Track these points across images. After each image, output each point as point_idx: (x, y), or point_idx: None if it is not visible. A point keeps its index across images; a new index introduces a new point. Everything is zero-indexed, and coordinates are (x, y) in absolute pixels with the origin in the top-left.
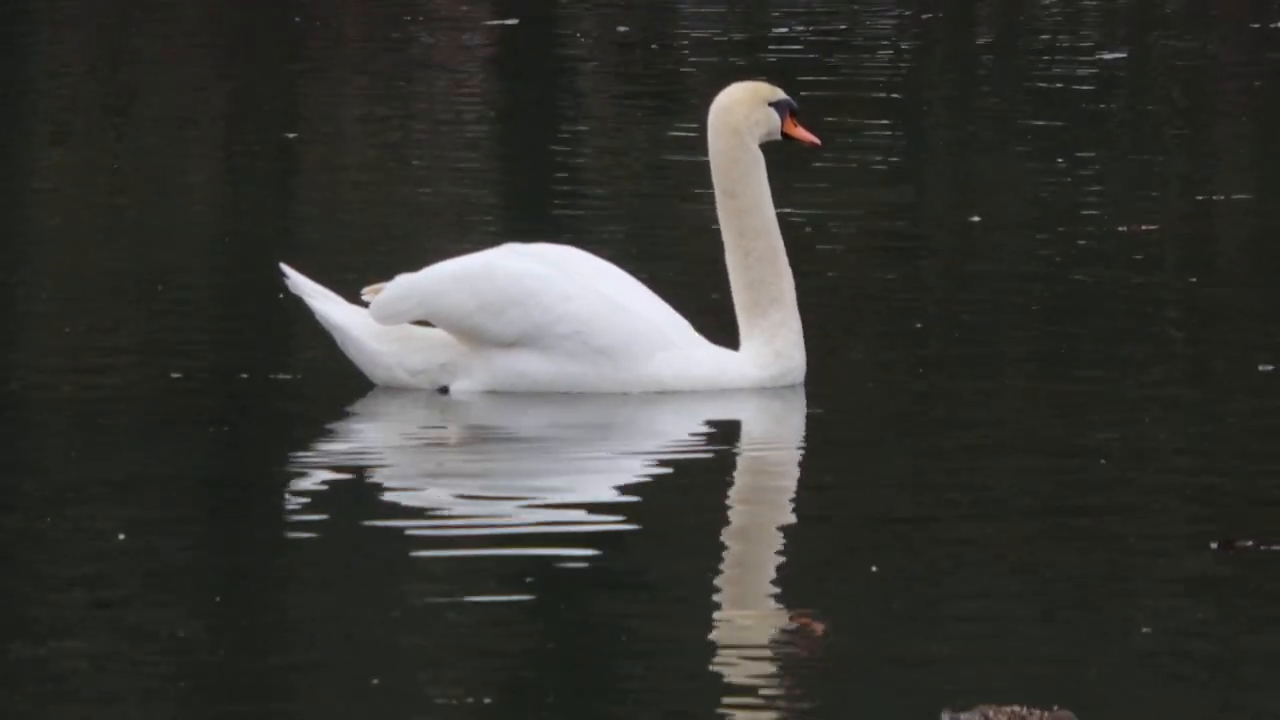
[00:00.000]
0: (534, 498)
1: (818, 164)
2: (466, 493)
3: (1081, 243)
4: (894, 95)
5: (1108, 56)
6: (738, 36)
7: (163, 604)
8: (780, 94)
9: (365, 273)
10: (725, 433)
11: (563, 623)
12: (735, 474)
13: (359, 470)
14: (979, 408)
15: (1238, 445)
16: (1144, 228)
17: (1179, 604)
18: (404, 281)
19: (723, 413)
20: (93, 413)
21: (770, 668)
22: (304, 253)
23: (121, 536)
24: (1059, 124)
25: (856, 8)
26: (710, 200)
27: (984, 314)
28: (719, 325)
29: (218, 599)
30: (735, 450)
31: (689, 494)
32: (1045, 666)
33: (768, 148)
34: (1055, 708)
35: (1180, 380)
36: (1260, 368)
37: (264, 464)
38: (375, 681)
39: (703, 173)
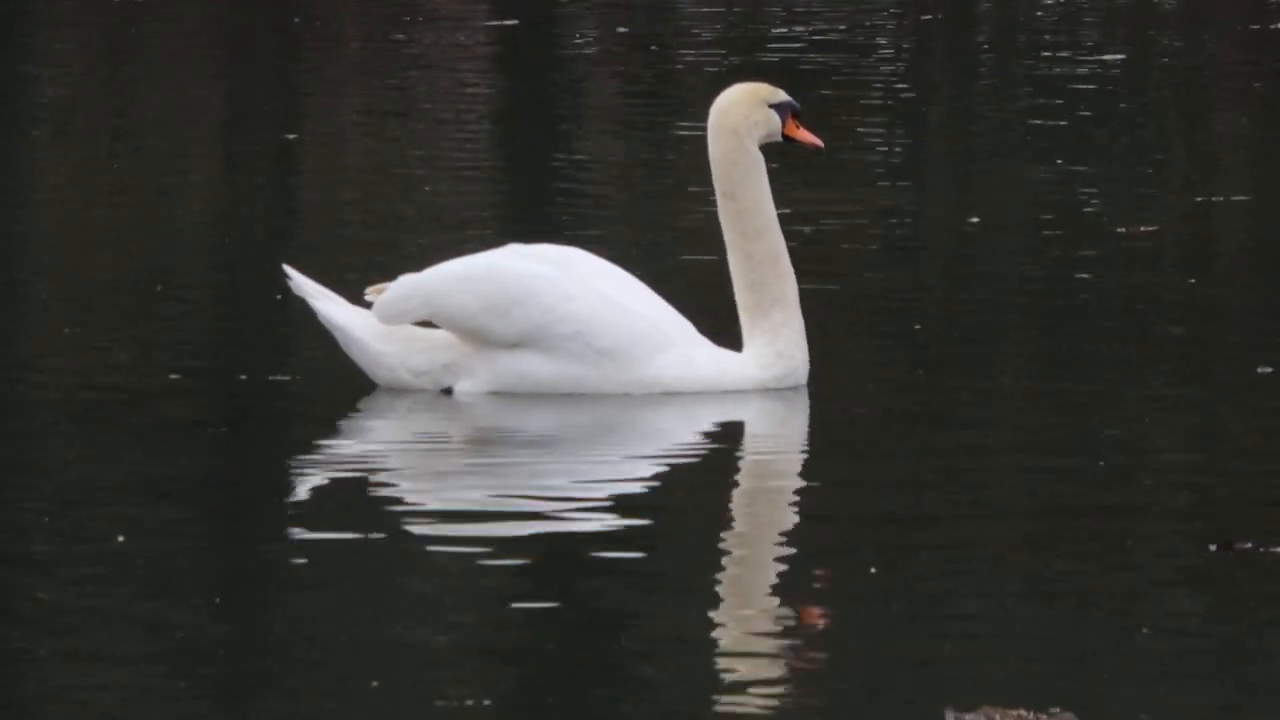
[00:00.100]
0: (536, 499)
1: (817, 165)
2: (468, 494)
3: (1081, 244)
4: (893, 96)
5: (1107, 57)
6: (737, 37)
7: (162, 605)
8: (782, 95)
9: (365, 273)
10: (728, 434)
11: (566, 624)
12: (738, 475)
13: (360, 471)
14: (979, 408)
15: (1237, 447)
16: (1143, 228)
17: (1178, 605)
18: (407, 282)
19: (725, 414)
20: (92, 413)
21: (773, 668)
22: (304, 253)
23: (120, 538)
24: (1058, 125)
25: (856, 9)
26: (711, 201)
27: (984, 315)
28: (720, 326)
29: (218, 600)
30: (738, 451)
31: (692, 495)
32: (1045, 667)
33: (769, 149)
34: (1057, 710)
35: (1179, 382)
36: (1260, 369)
37: (264, 465)
38: (375, 684)
39: (703, 173)
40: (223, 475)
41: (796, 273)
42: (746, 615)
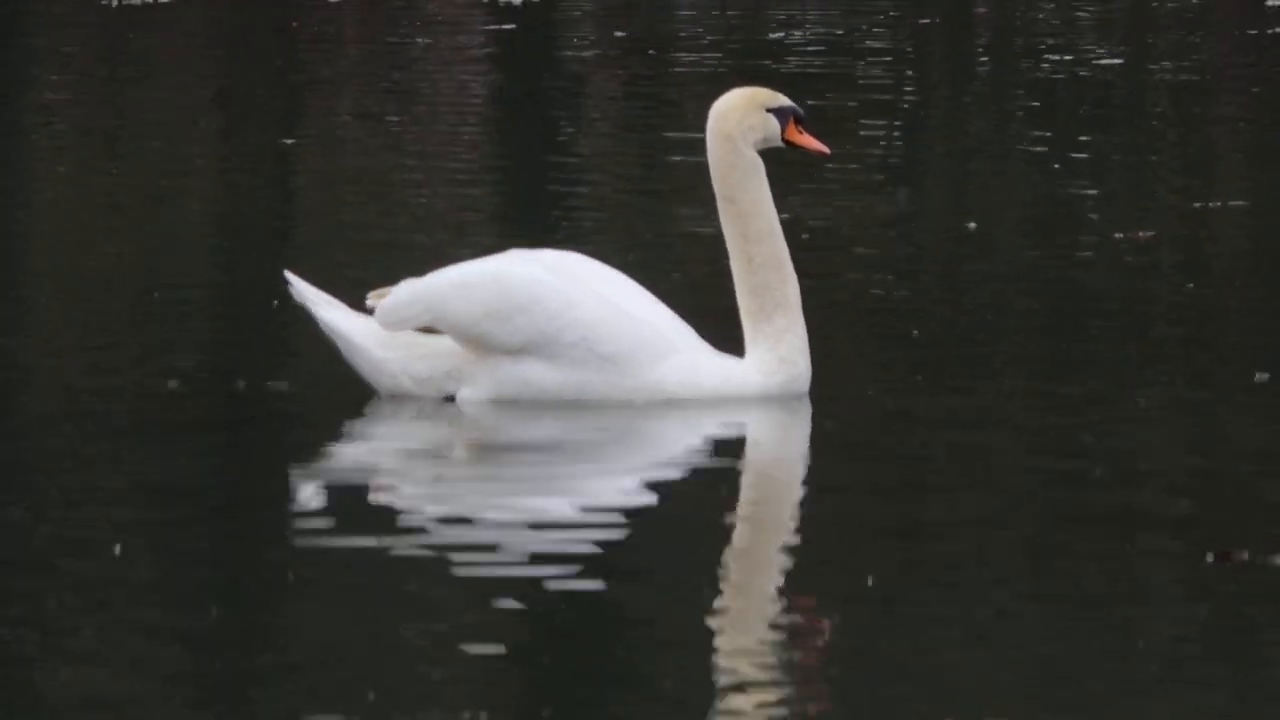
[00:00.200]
0: (538, 507)
1: (814, 170)
2: (469, 501)
3: (1079, 248)
4: (891, 100)
5: (1105, 61)
6: (735, 41)
7: (160, 612)
8: (782, 100)
9: (365, 278)
10: (731, 440)
11: (568, 631)
12: (741, 482)
13: (361, 478)
14: (977, 414)
15: (1234, 454)
16: (1141, 234)
17: (1176, 615)
18: (410, 287)
19: (728, 420)
20: (88, 418)
21: (775, 675)
22: (302, 257)
23: (117, 545)
24: (1056, 129)
25: (853, 13)
26: (711, 205)
27: (981, 319)
28: (720, 331)
29: (216, 608)
30: (741, 458)
31: (695, 502)
32: (1043, 675)
33: (771, 154)
34: None
35: (1176, 389)
36: (1257, 376)
37: (263, 472)
38: (374, 693)
39: (702, 177)
40: (220, 481)
41: None
42: (749, 622)
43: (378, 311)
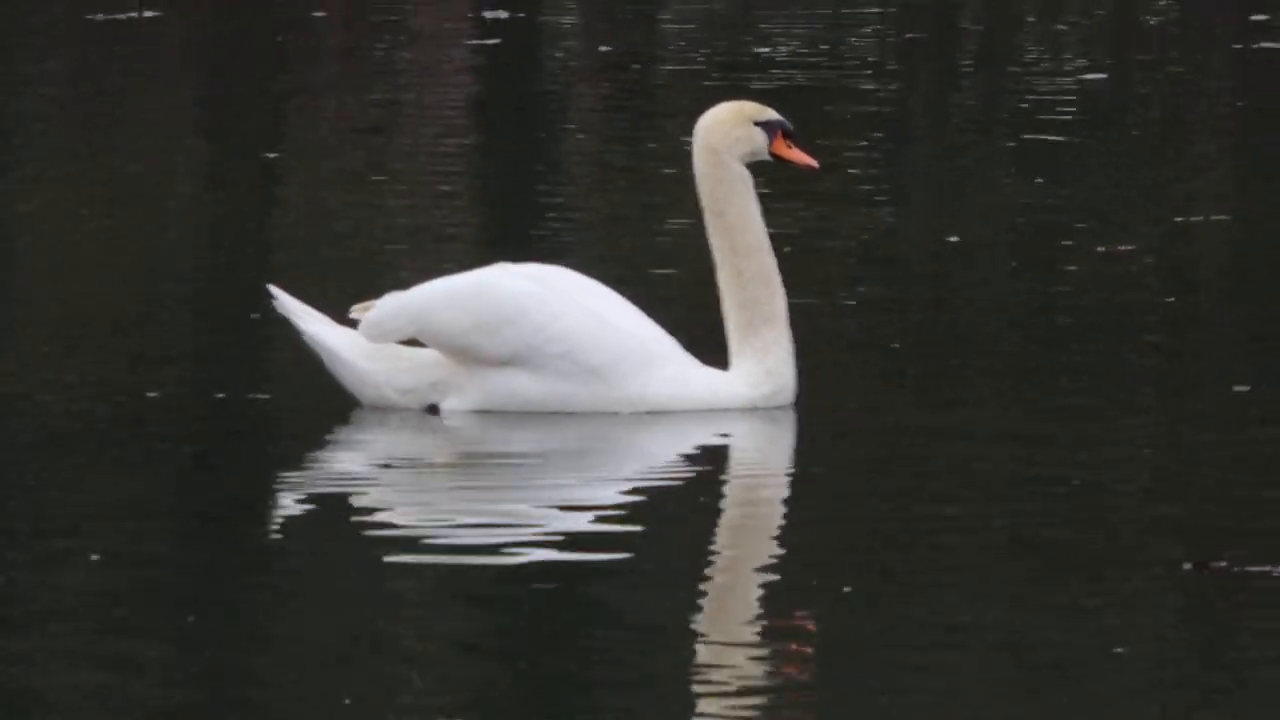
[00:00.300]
0: (523, 519)
1: (798, 183)
2: (453, 514)
3: (1061, 262)
4: (875, 114)
5: (1089, 76)
6: (720, 55)
7: (139, 624)
8: (770, 114)
9: (347, 291)
10: (716, 453)
11: (548, 646)
12: (726, 495)
13: (344, 489)
14: (958, 428)
15: (1214, 465)
16: (1122, 248)
17: (1153, 624)
18: (395, 300)
19: (714, 432)
20: (68, 431)
21: (762, 683)
22: (285, 271)
23: (95, 557)
24: (1040, 143)
25: (839, 27)
26: (695, 219)
27: (963, 333)
28: (702, 344)
29: (194, 619)
30: (726, 470)
31: (680, 514)
32: (1022, 683)
33: (761, 168)
34: None
35: (1156, 401)
36: (1236, 388)
37: (245, 484)
38: (348, 702)
39: (687, 191)
40: (202, 495)
41: None
42: (736, 631)
43: (362, 324)
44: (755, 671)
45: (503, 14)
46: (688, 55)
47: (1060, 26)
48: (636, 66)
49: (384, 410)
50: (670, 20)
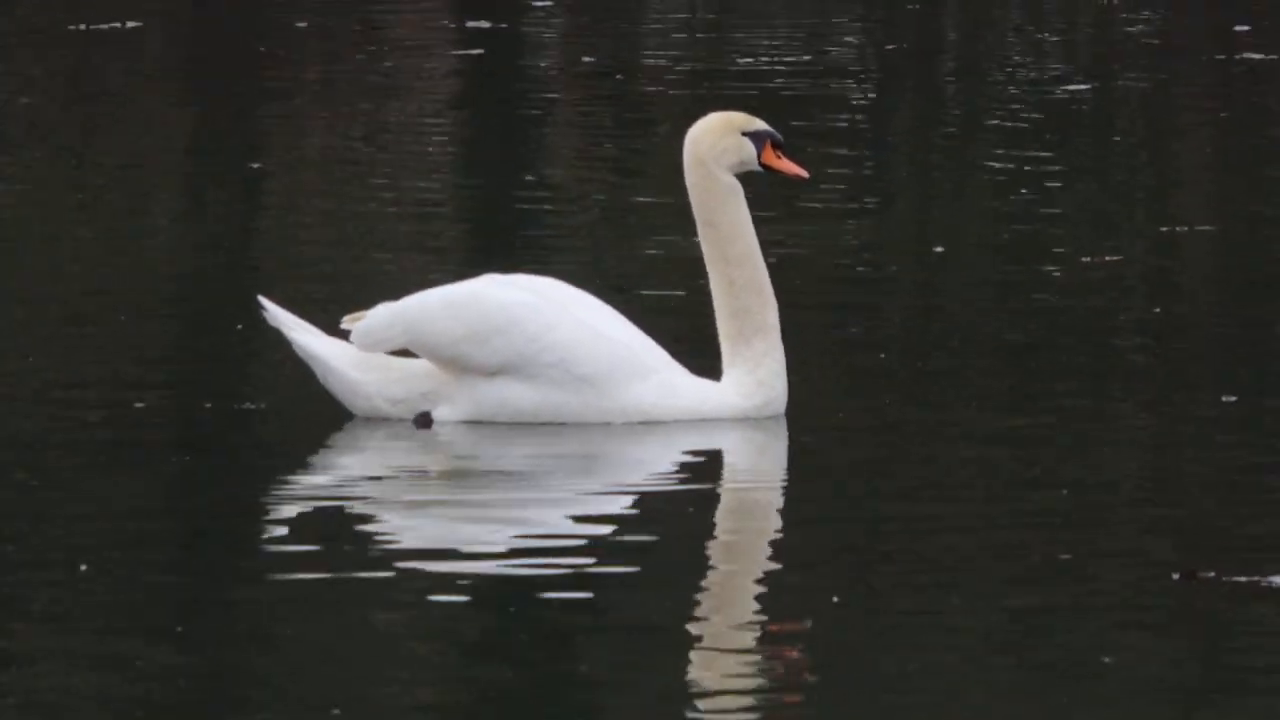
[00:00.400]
0: (514, 529)
1: (780, 193)
2: (444, 525)
3: (1046, 272)
4: (858, 125)
5: (1072, 87)
6: (702, 66)
7: (125, 636)
8: (758, 124)
9: (332, 302)
10: (708, 463)
11: (542, 654)
12: (718, 504)
13: (334, 500)
14: (946, 438)
15: (1201, 476)
16: (1107, 259)
17: (1141, 634)
18: (387, 310)
19: (705, 442)
20: (54, 441)
21: (754, 693)
22: (268, 282)
23: (83, 567)
24: (1023, 154)
25: (821, 38)
26: (680, 229)
27: (948, 343)
28: (689, 356)
29: (181, 630)
30: (718, 481)
31: (671, 525)
32: (1009, 693)
33: (749, 178)
34: None
35: (1144, 411)
36: (1223, 399)
37: (236, 494)
38: (336, 712)
39: (671, 201)
40: (187, 505)
41: None
42: (728, 640)
43: (354, 333)
44: (751, 676)
45: (484, 24)
46: (670, 65)
47: (1045, 38)
48: (619, 76)
49: (375, 421)
50: (652, 30)
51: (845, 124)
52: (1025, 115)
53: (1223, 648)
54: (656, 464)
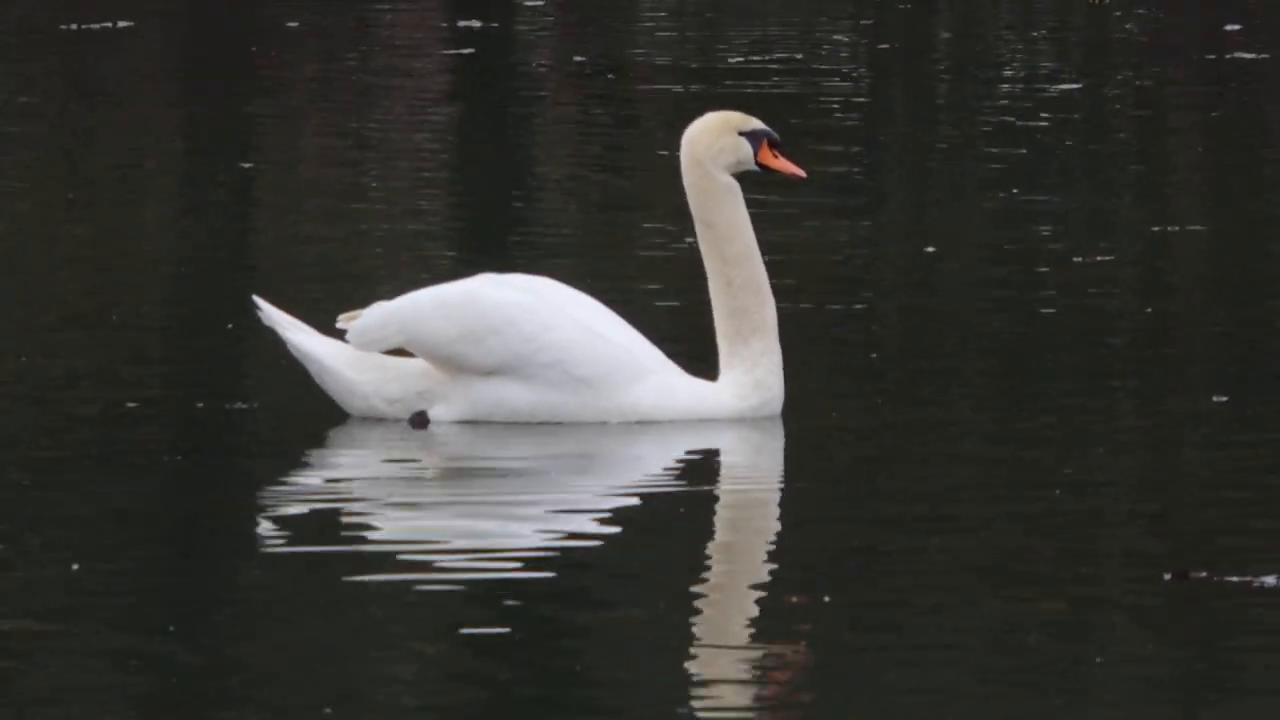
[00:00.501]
0: (510, 528)
1: (773, 193)
2: (439, 524)
3: (1038, 272)
4: (851, 125)
5: (1065, 86)
6: (694, 65)
7: (117, 636)
8: (754, 124)
9: (326, 302)
10: (704, 463)
11: (537, 655)
12: (715, 504)
13: (326, 500)
14: (939, 439)
15: (1192, 476)
16: (1100, 258)
17: (1133, 634)
18: (383, 309)
19: (701, 442)
20: (47, 443)
21: (751, 696)
22: (262, 282)
23: (75, 566)
24: (1016, 154)
25: (813, 37)
26: (674, 229)
27: (940, 344)
28: (683, 356)
29: (174, 629)
30: (714, 481)
31: (669, 522)
32: (1001, 694)
33: (746, 178)
34: None
35: (1135, 411)
36: (1215, 399)
37: (232, 494)
38: (328, 711)
39: (664, 199)
40: (180, 506)
41: None
42: (724, 640)
43: (350, 333)
44: (749, 676)
45: (476, 23)
46: (662, 64)
47: (1037, 38)
48: (611, 76)
49: (371, 420)
50: (644, 29)
51: (836, 123)
52: (1017, 115)
53: (1215, 648)
54: (653, 464)
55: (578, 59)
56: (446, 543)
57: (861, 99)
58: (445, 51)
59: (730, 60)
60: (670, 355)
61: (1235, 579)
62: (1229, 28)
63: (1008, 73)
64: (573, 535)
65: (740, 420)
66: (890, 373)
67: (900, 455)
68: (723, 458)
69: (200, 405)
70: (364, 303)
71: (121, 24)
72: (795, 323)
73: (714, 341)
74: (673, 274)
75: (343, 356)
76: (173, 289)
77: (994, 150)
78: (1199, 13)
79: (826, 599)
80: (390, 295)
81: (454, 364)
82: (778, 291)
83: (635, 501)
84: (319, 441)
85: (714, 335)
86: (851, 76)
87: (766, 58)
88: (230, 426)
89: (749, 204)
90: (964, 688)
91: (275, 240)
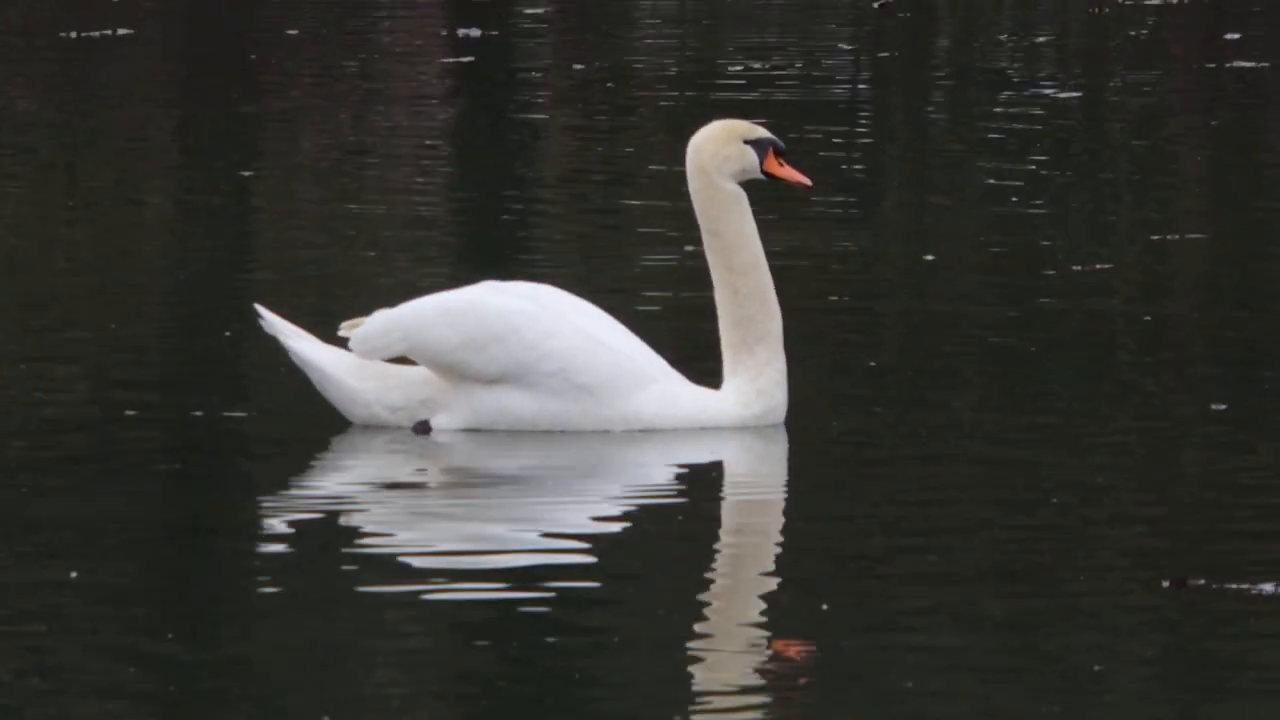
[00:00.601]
0: (513, 538)
1: (773, 202)
2: (442, 533)
3: (1037, 280)
4: (850, 133)
5: (1064, 95)
6: (693, 74)
7: (116, 641)
8: (760, 132)
9: (326, 309)
10: (707, 471)
11: (540, 662)
12: (717, 513)
13: (332, 508)
14: (938, 447)
15: (1190, 484)
16: (1098, 267)
17: (1131, 642)
18: (385, 316)
19: (704, 451)
20: (45, 449)
21: (748, 703)
22: (261, 290)
23: (73, 574)
24: (1015, 162)
25: (813, 47)
26: (672, 237)
27: (939, 352)
28: (685, 364)
29: (172, 636)
30: (717, 489)
31: (669, 533)
32: (999, 702)
33: (752, 186)
34: None
35: (1134, 419)
36: (1213, 407)
37: (232, 503)
38: (327, 718)
39: (662, 209)
40: (187, 511)
41: None
42: (727, 649)
43: (352, 340)
44: (751, 680)
45: (475, 32)
46: (662, 73)
47: (1036, 47)
48: (610, 85)
49: (374, 428)
50: (643, 37)
51: (836, 132)
52: (1016, 123)
53: (1212, 655)
54: (655, 472)
55: (577, 67)
56: (448, 549)
57: (861, 107)
58: (445, 59)
59: (731, 69)
60: (673, 363)
61: (1234, 586)
62: (1228, 36)
63: (1007, 81)
64: (574, 542)
65: (743, 429)
66: (888, 382)
67: (901, 462)
68: (726, 466)
69: (199, 412)
70: (367, 310)
71: (121, 31)
72: (797, 332)
73: (716, 349)
74: (674, 281)
75: (345, 364)
76: (172, 294)
77: (994, 158)
78: (1198, 21)
79: (837, 605)
80: (392, 303)
81: (456, 372)
82: (779, 298)
83: (637, 509)
84: (320, 449)
85: (717, 343)
86: (851, 84)
87: (766, 65)
88: (233, 434)
89: (755, 213)
90: (964, 688)
91: (277, 247)
